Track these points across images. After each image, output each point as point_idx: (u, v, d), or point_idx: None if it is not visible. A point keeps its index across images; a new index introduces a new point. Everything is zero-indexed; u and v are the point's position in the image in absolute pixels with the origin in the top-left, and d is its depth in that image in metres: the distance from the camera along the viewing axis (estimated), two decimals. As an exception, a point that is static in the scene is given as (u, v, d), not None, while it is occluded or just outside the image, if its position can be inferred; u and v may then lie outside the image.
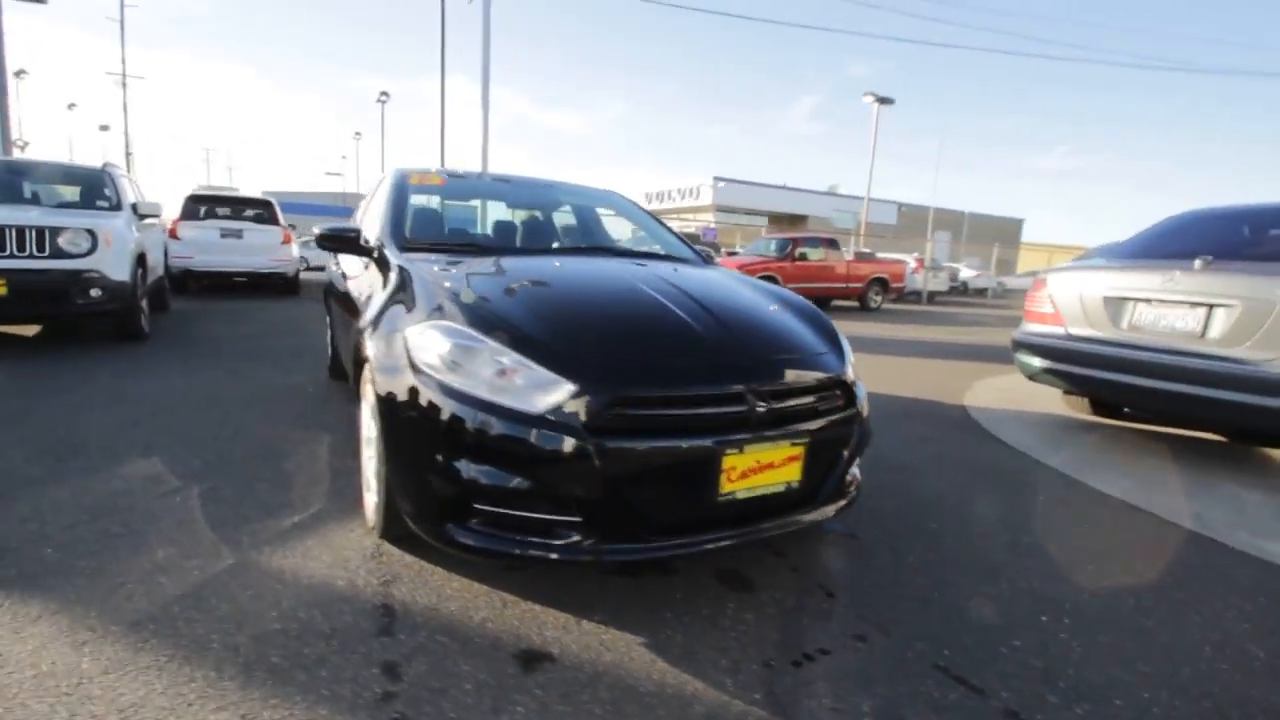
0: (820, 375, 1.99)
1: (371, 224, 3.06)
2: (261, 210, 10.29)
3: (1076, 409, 4.58)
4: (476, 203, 4.75)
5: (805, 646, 1.72)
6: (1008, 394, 5.27)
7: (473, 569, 2.01)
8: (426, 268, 2.30)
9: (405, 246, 2.61)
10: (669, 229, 3.50)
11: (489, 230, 3.53)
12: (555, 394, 1.66)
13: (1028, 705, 1.54)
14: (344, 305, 3.21)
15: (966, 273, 26.73)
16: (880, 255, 17.07)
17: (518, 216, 3.52)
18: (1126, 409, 4.39)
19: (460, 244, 2.88)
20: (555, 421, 1.63)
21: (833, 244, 14.52)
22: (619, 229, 3.61)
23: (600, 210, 3.57)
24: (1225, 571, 2.29)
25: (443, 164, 18.31)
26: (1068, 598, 2.04)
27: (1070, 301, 3.65)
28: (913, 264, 18.98)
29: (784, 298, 2.51)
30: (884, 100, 23.32)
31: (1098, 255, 4.10)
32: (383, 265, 2.57)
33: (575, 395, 1.65)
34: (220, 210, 9.94)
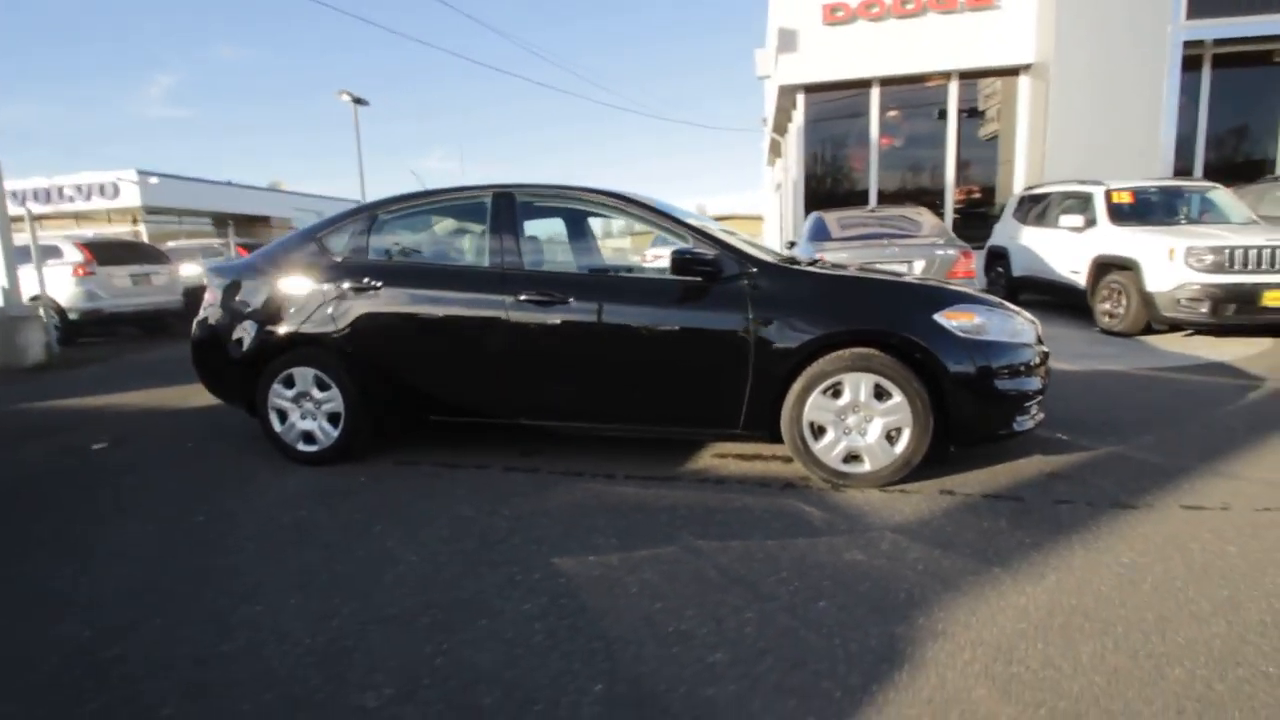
0: None
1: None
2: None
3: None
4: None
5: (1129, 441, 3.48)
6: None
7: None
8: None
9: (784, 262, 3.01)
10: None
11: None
12: (1031, 330, 2.94)
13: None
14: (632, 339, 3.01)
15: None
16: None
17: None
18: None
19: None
20: (1036, 345, 2.92)
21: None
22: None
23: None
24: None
25: None
26: (1106, 408, 4.37)
27: (840, 267, 6.24)
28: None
29: None
30: (359, 101, 23.07)
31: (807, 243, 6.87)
32: (770, 276, 2.90)
33: (1035, 331, 2.97)
34: None
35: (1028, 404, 2.86)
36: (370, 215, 3.39)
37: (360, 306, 3.22)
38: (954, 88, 11.01)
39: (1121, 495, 2.68)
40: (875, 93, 11.18)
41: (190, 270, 10.67)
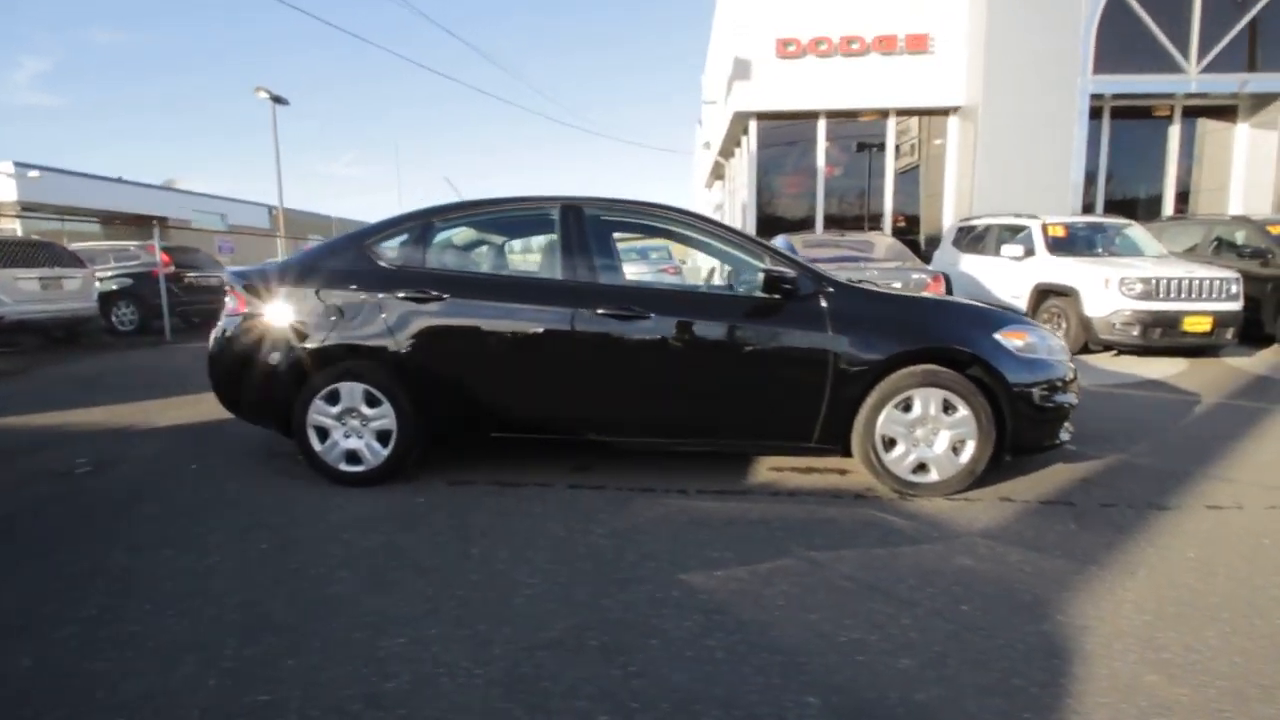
0: None
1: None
2: None
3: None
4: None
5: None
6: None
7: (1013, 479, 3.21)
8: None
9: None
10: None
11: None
12: (1065, 350, 3.22)
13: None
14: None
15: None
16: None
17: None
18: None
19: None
20: (1069, 363, 3.21)
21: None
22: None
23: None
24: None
25: None
26: (1089, 420, 4.79)
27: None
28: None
29: None
30: (279, 99, 21.62)
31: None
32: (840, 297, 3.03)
33: (1067, 350, 3.27)
34: None
35: (1068, 417, 3.15)
36: (425, 223, 3.25)
37: (419, 318, 3.07)
38: (892, 124, 11.85)
39: (1152, 498, 3.00)
40: (822, 124, 11.84)
41: (102, 274, 9.67)
